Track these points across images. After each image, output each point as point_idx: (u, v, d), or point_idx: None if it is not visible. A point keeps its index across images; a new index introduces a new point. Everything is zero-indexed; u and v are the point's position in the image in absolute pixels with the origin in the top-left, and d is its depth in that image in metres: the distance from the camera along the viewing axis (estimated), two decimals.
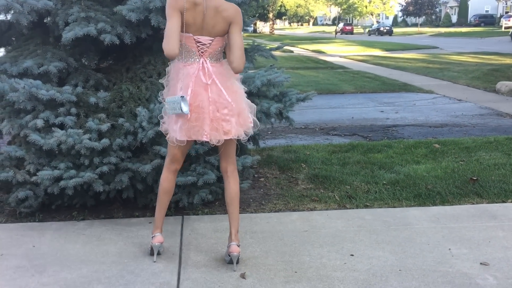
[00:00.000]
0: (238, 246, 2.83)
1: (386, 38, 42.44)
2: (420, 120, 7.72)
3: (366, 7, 69.93)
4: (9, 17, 3.44)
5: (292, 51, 24.48)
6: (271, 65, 4.52)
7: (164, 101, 2.77)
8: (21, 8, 3.22)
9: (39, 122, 3.32)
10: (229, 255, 2.82)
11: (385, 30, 52.21)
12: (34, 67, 3.52)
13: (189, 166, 3.72)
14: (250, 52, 4.74)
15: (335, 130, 7.17)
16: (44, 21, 3.81)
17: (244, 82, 3.82)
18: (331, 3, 70.68)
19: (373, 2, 70.30)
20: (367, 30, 59.12)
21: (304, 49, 28.23)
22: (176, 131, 2.75)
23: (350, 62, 18.44)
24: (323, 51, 25.55)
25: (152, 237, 2.94)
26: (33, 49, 3.72)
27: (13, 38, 4.14)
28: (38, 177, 3.32)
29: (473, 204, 3.87)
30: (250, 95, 3.86)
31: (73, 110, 3.43)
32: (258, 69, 4.36)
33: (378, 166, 4.90)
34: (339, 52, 24.57)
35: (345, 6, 67.25)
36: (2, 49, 4.24)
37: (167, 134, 2.84)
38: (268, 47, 5.06)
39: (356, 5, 67.98)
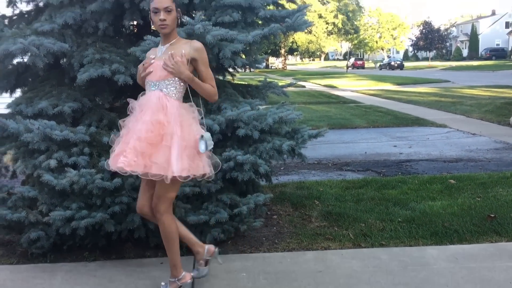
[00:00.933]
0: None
1: (397, 72, 42.68)
2: (434, 155, 7.64)
3: (376, 42, 70.75)
4: (26, 59, 3.50)
5: (304, 86, 24.69)
6: (283, 102, 4.53)
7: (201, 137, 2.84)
8: (37, 51, 3.30)
9: (52, 163, 3.34)
10: None
11: (396, 65, 52.57)
12: (49, 107, 3.58)
13: (201, 204, 3.70)
14: (262, 89, 4.79)
15: (348, 165, 7.11)
16: (60, 62, 3.88)
17: (256, 119, 3.85)
18: (342, 39, 71.63)
19: (383, 37, 71.11)
20: (378, 64, 59.59)
21: (316, 83, 28.45)
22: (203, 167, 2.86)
23: (362, 97, 18.49)
24: (334, 85, 25.71)
25: (180, 278, 2.94)
26: (49, 90, 3.79)
27: (30, 79, 4.23)
28: (50, 218, 3.31)
29: (492, 242, 3.77)
30: (262, 132, 3.88)
31: (86, 150, 3.46)
32: (270, 106, 4.38)
33: (393, 202, 4.82)
34: (351, 86, 24.72)
35: (356, 42, 68.17)
36: (19, 90, 4.32)
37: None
38: (280, 83, 5.10)
39: (366, 41, 68.85)
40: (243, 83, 5.23)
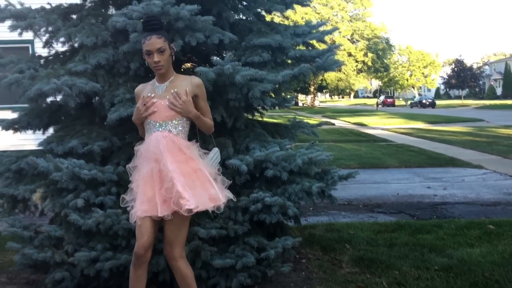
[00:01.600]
0: None
1: (428, 111, 42.14)
2: (471, 198, 7.34)
3: (407, 80, 70.44)
4: (58, 98, 3.55)
5: (333, 124, 24.57)
6: (312, 142, 4.45)
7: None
8: (69, 91, 3.35)
9: (80, 202, 3.33)
10: None
11: (427, 103, 52.01)
12: (79, 146, 3.60)
13: (228, 247, 3.60)
14: (291, 128, 4.72)
15: (380, 207, 6.90)
16: (92, 101, 3.93)
17: (285, 160, 3.77)
18: (371, 77, 71.66)
19: (414, 75, 70.77)
20: (409, 102, 59.10)
21: (345, 121, 28.30)
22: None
23: (393, 135, 18.22)
24: (365, 123, 25.50)
25: None
26: (79, 129, 3.82)
27: (62, 118, 4.29)
28: (75, 258, 3.27)
29: None
30: (291, 173, 3.79)
31: (114, 189, 3.43)
32: (300, 145, 4.30)
33: (428, 248, 4.59)
34: (381, 124, 24.45)
35: (386, 80, 68.02)
36: (52, 128, 4.38)
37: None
38: (308, 121, 5.04)
39: (397, 78, 68.61)
40: (272, 121, 5.19)
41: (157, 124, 2.76)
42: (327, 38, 4.62)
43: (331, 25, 39.25)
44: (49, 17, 3.87)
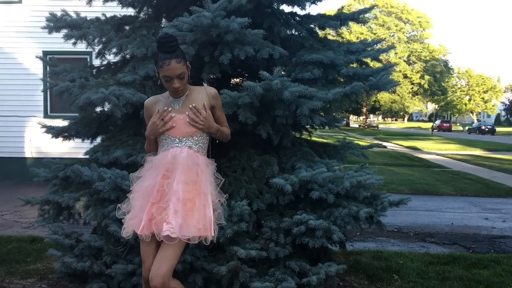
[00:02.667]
0: None
1: (488, 137, 40.33)
2: None
3: (465, 104, 67.94)
4: (107, 108, 3.56)
5: (385, 147, 23.92)
6: (361, 165, 4.24)
7: None
8: (116, 101, 3.34)
9: (121, 214, 3.28)
10: None
11: (486, 129, 49.83)
12: (123, 157, 3.58)
13: (268, 270, 3.44)
14: (341, 149, 4.53)
15: (432, 236, 6.51)
16: (140, 112, 3.92)
17: (332, 182, 3.59)
18: (427, 100, 69.70)
19: (473, 100, 68.20)
20: (466, 128, 56.86)
21: (398, 145, 27.51)
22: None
23: (448, 161, 17.47)
24: (418, 147, 24.66)
25: None
26: (125, 139, 3.82)
27: (111, 128, 4.32)
28: (112, 270, 3.22)
29: None
30: (337, 196, 3.60)
31: None
32: (348, 166, 4.11)
33: (485, 285, 4.24)
34: (436, 149, 23.56)
35: (443, 103, 65.93)
36: (100, 138, 4.42)
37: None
38: (358, 143, 4.83)
39: (455, 103, 66.35)
40: (321, 141, 5.02)
41: (176, 139, 2.62)
42: (382, 58, 4.44)
43: (387, 45, 38.45)
44: (103, 27, 3.92)
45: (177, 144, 2.61)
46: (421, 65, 58.33)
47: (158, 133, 2.63)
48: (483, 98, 69.01)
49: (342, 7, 4.47)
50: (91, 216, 3.50)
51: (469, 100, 68.88)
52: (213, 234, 2.54)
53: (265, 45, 3.53)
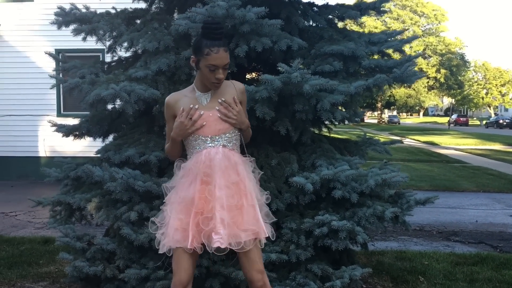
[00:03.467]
0: None
1: (506, 131, 39.57)
2: None
3: (482, 98, 66.84)
4: (117, 105, 3.40)
5: (402, 142, 23.52)
6: (385, 161, 4.04)
7: None
8: (128, 97, 3.18)
9: (133, 215, 3.13)
10: None
11: (504, 123, 48.89)
12: (135, 156, 3.42)
13: (288, 274, 3.26)
14: (362, 145, 4.33)
15: (457, 235, 6.26)
16: (152, 109, 3.76)
17: (355, 180, 3.40)
18: (443, 94, 68.73)
19: (490, 93, 67.08)
20: (484, 122, 55.94)
21: (415, 140, 27.07)
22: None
23: (467, 156, 17.08)
24: (436, 142, 24.23)
25: None
26: (137, 138, 3.66)
27: (123, 126, 4.17)
28: (125, 275, 3.07)
29: None
30: (361, 195, 3.41)
31: None
32: (370, 165, 3.91)
33: None
34: (454, 144, 23.12)
35: (459, 97, 64.95)
36: (112, 136, 4.28)
37: None
38: (381, 140, 4.62)
39: (471, 97, 65.32)
40: (341, 137, 4.81)
41: (208, 139, 2.35)
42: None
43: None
44: (113, 21, 3.76)
45: (210, 144, 2.35)
46: (437, 58, 57.46)
47: (187, 134, 2.36)
48: (500, 92, 67.78)
49: None
50: (103, 218, 3.35)
51: (486, 93, 67.68)
52: (266, 234, 2.36)
53: (283, 36, 3.34)
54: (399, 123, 58.83)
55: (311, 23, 4.17)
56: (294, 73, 3.02)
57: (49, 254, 4.84)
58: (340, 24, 4.32)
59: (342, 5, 4.15)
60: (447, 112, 71.65)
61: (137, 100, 3.30)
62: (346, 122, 4.05)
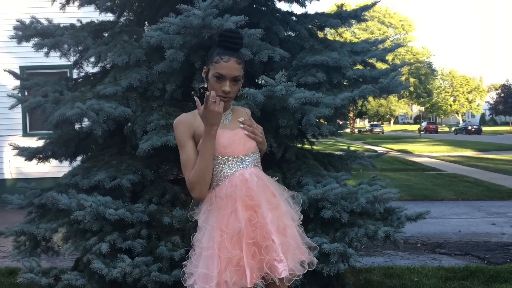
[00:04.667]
0: None
1: (475, 137, 40.37)
2: None
3: (450, 105, 68.38)
4: (84, 125, 3.11)
5: (375, 151, 23.63)
6: (373, 177, 3.85)
7: None
8: (96, 116, 2.89)
9: (104, 247, 2.83)
10: None
11: (473, 129, 49.95)
12: (106, 180, 3.12)
13: None
14: (347, 160, 4.14)
15: (442, 247, 6.12)
16: (124, 128, 3.48)
17: (345, 198, 3.18)
18: (413, 102, 69.95)
19: (458, 101, 68.70)
20: (453, 128, 57.11)
21: (388, 148, 27.23)
22: None
23: (441, 164, 17.19)
24: (409, 150, 24.41)
25: None
26: (108, 160, 3.36)
27: (93, 146, 3.86)
28: None
29: None
30: (352, 214, 3.20)
31: (144, 232, 2.92)
32: (359, 182, 3.71)
33: None
34: (427, 152, 23.34)
35: (428, 105, 66.26)
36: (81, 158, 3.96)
37: None
38: (362, 151, 4.44)
39: (440, 104, 66.74)
40: (324, 151, 4.61)
41: (238, 159, 2.08)
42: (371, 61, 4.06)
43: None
44: (78, 34, 3.47)
45: (241, 165, 2.09)
46: (405, 68, 58.52)
47: (219, 118, 1.97)
48: (467, 99, 69.52)
49: (342, 4, 4.09)
50: (70, 250, 3.03)
51: (454, 101, 69.31)
52: (312, 256, 2.14)
53: (264, 46, 3.12)
54: (382, 132, 56.56)
55: (290, 33, 3.98)
56: (278, 86, 2.80)
57: (14, 287, 4.45)
58: (320, 34, 4.14)
59: (322, 14, 3.98)
60: (416, 120, 73.01)
61: (107, 119, 3.02)
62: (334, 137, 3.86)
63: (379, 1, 4.08)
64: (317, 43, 3.77)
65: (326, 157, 4.20)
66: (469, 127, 51.15)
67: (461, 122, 67.24)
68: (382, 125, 63.10)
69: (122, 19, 4.05)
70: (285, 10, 3.89)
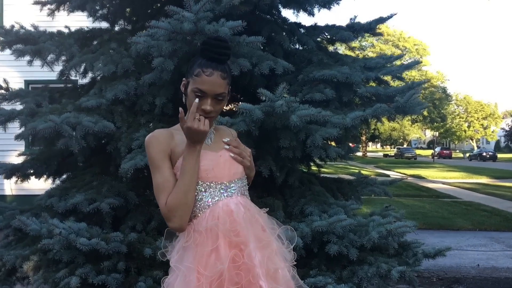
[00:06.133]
0: None
1: (490, 164, 39.49)
2: None
3: (465, 131, 67.50)
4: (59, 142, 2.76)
5: (388, 176, 23.07)
6: (386, 206, 3.45)
7: None
8: (71, 131, 2.55)
9: (74, 281, 2.46)
10: None
11: (488, 156, 49.01)
12: (84, 203, 2.77)
13: None
14: (357, 186, 3.75)
15: (459, 282, 5.63)
16: (107, 146, 3.13)
17: (353, 231, 2.78)
18: (426, 127, 69.17)
19: (472, 126, 67.84)
20: (467, 154, 56.18)
21: (401, 173, 26.61)
22: None
23: (456, 190, 16.59)
24: (423, 176, 23.78)
25: None
26: (89, 180, 3.02)
27: (80, 164, 3.52)
28: None
29: None
30: (361, 250, 2.79)
31: (121, 264, 2.55)
32: (370, 212, 3.31)
33: None
34: (441, 178, 22.70)
35: (442, 130, 65.45)
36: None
37: None
38: (371, 174, 4.04)
39: (454, 129, 65.92)
40: (333, 176, 4.22)
41: (222, 186, 1.72)
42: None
43: None
44: (64, 42, 3.16)
45: (225, 193, 1.72)
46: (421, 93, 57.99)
47: (204, 133, 1.64)
48: (482, 125, 68.60)
49: (355, 16, 3.75)
50: (39, 282, 2.66)
51: (468, 126, 68.43)
52: None
53: (265, 57, 2.76)
54: (415, 158, 48.82)
55: (297, 46, 3.64)
56: (278, 101, 2.44)
57: None
58: (330, 48, 3.79)
59: (333, 26, 3.63)
60: (429, 145, 72.10)
61: (85, 135, 2.67)
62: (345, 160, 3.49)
63: (395, 14, 3.73)
64: (327, 57, 3.42)
65: (335, 182, 3.82)
66: (484, 154, 50.21)
67: (475, 148, 66.20)
68: (414, 150, 54.60)
69: (116, 28, 3.75)
70: (292, 21, 3.56)
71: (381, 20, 3.62)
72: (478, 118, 67.81)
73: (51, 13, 3.50)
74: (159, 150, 1.70)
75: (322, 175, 3.92)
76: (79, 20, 3.91)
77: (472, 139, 72.52)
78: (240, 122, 2.51)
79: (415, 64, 3.81)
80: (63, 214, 2.84)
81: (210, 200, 1.69)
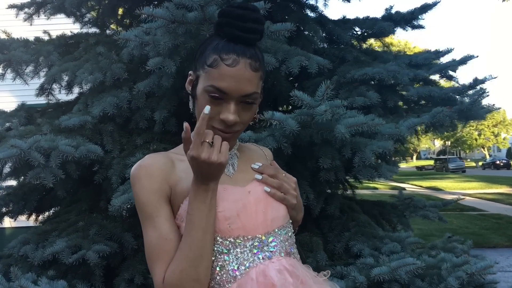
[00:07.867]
0: None
1: (505, 172, 38.45)
2: None
3: (476, 140, 66.49)
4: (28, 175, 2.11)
5: (404, 188, 22.24)
6: (449, 236, 2.78)
7: None
8: (42, 159, 1.91)
9: None
10: None
11: (501, 164, 47.93)
12: (66, 251, 2.12)
13: None
14: (403, 209, 3.08)
15: None
16: (94, 176, 2.49)
17: (421, 276, 2.11)
18: (436, 137, 68.26)
19: (483, 134, 66.86)
20: (480, 163, 55.12)
21: (416, 185, 25.74)
22: None
23: (480, 202, 15.76)
24: (440, 187, 22.89)
25: None
26: (74, 220, 2.37)
27: (67, 199, 2.89)
28: None
29: None
30: None
31: None
32: (430, 242, 2.65)
33: None
34: (459, 189, 21.81)
35: (452, 140, 64.50)
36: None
37: None
38: (425, 199, 3.38)
39: (464, 138, 64.94)
40: (371, 199, 3.56)
41: (255, 242, 1.04)
42: None
43: None
44: (41, 49, 2.55)
45: (261, 255, 1.03)
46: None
47: (221, 169, 0.97)
48: (493, 132, 67.55)
49: (391, 6, 3.12)
50: None
51: (479, 135, 67.39)
52: None
53: (294, 52, 2.12)
54: (464, 171, 39.81)
55: (323, 45, 3.01)
56: (320, 107, 1.78)
57: None
58: (364, 46, 3.17)
59: (367, 18, 3.01)
60: (439, 155, 71.08)
61: (64, 163, 2.03)
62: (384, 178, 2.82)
63: (439, 2, 3.10)
64: (362, 54, 2.78)
65: (375, 206, 3.16)
66: (497, 162, 49.14)
67: (487, 156, 65.13)
68: (462, 160, 43.96)
69: (108, 32, 3.15)
70: (321, 14, 2.94)
71: (426, 7, 2.98)
72: (488, 125, 66.89)
73: (29, 18, 2.90)
74: (151, 191, 1.03)
75: (360, 198, 3.26)
76: (66, 29, 3.32)
77: (483, 147, 71.48)
78: (268, 138, 1.86)
79: (469, 59, 3.15)
80: (41, 266, 2.20)
81: (236, 268, 1.02)
